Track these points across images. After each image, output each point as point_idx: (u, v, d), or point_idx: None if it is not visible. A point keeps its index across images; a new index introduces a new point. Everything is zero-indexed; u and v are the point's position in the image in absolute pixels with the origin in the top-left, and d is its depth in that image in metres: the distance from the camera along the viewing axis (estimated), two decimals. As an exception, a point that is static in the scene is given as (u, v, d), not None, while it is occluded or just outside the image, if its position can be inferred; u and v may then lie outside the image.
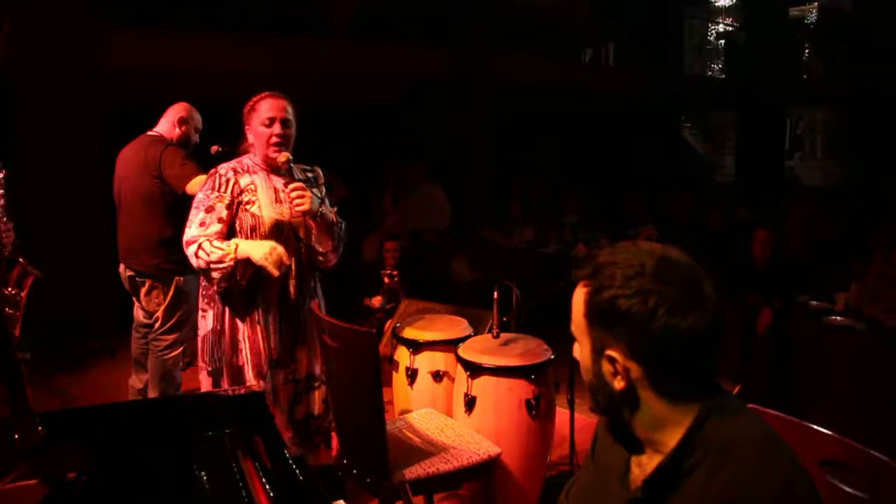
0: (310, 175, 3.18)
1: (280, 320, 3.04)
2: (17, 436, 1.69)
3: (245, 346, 3.00)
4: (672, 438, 1.29)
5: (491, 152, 9.14)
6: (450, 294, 6.07)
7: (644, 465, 1.37)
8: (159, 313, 4.18)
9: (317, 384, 3.17)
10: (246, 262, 2.86)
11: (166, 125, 4.22)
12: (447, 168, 8.38)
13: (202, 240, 2.87)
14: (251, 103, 3.02)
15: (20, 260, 3.52)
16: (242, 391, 2.00)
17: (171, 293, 4.14)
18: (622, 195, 8.34)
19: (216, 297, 3.01)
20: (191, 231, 2.92)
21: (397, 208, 8.18)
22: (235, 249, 2.85)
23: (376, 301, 6.07)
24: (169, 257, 4.08)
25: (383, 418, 2.67)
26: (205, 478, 1.54)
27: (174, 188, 3.98)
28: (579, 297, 1.34)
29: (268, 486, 1.57)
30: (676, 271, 1.26)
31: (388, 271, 6.19)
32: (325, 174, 3.27)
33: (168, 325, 4.18)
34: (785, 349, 4.82)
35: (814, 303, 4.95)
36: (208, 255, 2.84)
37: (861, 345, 4.45)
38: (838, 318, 4.67)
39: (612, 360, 1.29)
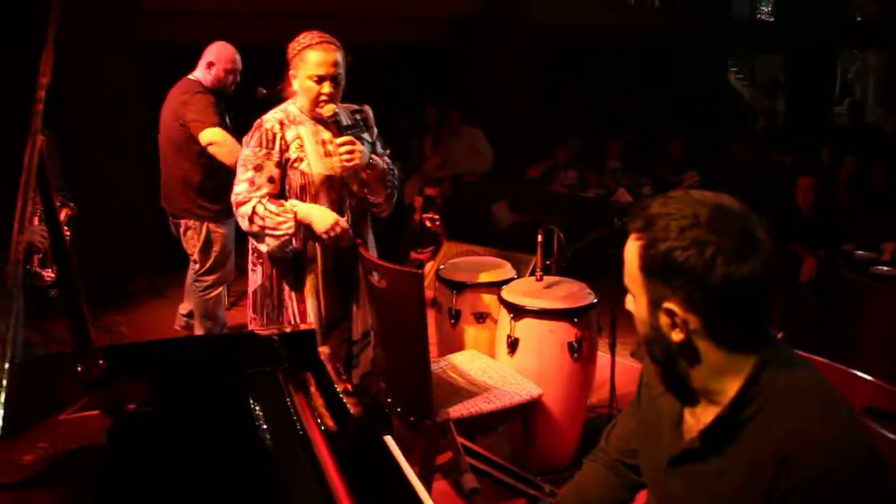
0: (358, 118, 3.00)
1: (333, 282, 2.96)
2: (80, 368, 1.77)
3: (292, 305, 2.95)
4: (730, 388, 1.29)
5: (533, 95, 9.03)
6: (490, 237, 6.10)
7: (699, 416, 1.37)
8: (195, 255, 4.29)
9: (369, 339, 3.12)
10: (304, 230, 2.80)
11: (200, 69, 4.24)
12: (489, 111, 8.30)
13: (255, 202, 2.78)
14: (299, 50, 2.79)
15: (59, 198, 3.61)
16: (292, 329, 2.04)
17: (202, 236, 4.23)
18: (665, 141, 8.22)
19: (266, 255, 2.93)
20: (239, 189, 2.82)
21: (437, 151, 8.18)
22: (295, 217, 2.77)
23: (426, 255, 6.11)
24: (198, 202, 4.16)
25: (428, 358, 2.72)
26: (259, 411, 1.58)
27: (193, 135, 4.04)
28: (633, 250, 1.32)
29: (319, 420, 1.62)
30: (731, 220, 1.25)
31: (430, 215, 6.23)
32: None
33: (205, 266, 4.29)
34: (828, 298, 4.77)
35: (860, 252, 4.87)
36: (263, 219, 2.76)
37: (907, 295, 4.39)
38: (884, 267, 4.60)
39: (670, 313, 1.28)
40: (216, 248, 4.27)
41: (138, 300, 5.88)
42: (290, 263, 2.93)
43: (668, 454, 1.41)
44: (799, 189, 5.23)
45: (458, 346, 3.54)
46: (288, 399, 1.66)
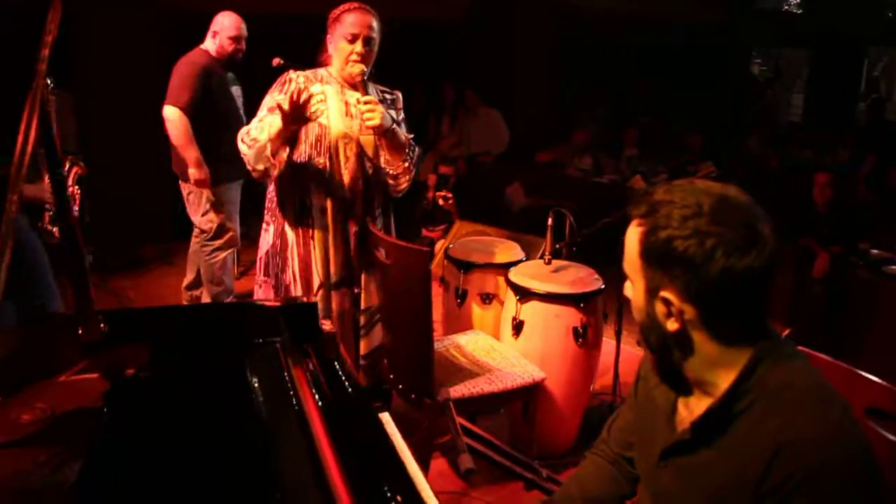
0: (388, 97, 3.05)
1: (343, 242, 2.95)
2: (80, 331, 1.77)
3: (293, 263, 2.95)
4: (724, 381, 1.29)
5: (552, 79, 8.96)
6: (503, 219, 6.07)
7: (692, 407, 1.37)
8: (197, 219, 4.34)
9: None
10: (279, 140, 2.73)
11: (208, 39, 4.28)
12: (507, 92, 8.25)
13: (251, 125, 2.81)
14: (337, 13, 2.86)
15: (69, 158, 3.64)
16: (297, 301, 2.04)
17: (203, 200, 4.26)
18: (684, 131, 8.16)
19: (277, 211, 2.96)
20: (248, 126, 2.83)
21: (454, 131, 8.14)
22: (271, 123, 2.71)
23: (437, 233, 6.10)
24: None
25: (431, 336, 2.72)
26: (255, 383, 1.58)
27: None
28: (634, 235, 1.31)
29: (317, 395, 1.61)
30: (734, 212, 1.23)
31: (443, 193, 6.21)
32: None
33: (208, 231, 4.33)
34: (839, 296, 4.74)
35: (875, 251, 4.83)
36: (249, 134, 2.76)
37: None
38: (898, 267, 4.56)
39: (666, 302, 1.27)
40: (220, 213, 4.31)
41: (147, 267, 5.91)
42: (296, 213, 2.93)
43: (660, 446, 1.41)
44: (816, 185, 5.18)
45: (464, 325, 3.54)
46: (286, 372, 1.65)
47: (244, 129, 2.84)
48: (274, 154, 2.77)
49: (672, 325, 1.28)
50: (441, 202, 6.19)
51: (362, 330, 3.09)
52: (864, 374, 1.78)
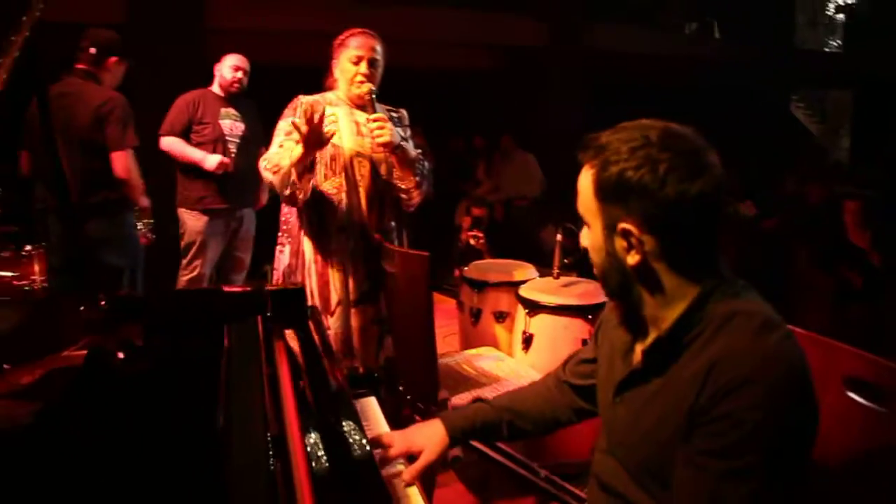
0: (394, 115, 3.09)
1: (363, 258, 2.98)
2: (82, 309, 1.88)
3: (311, 282, 2.97)
4: (675, 315, 1.31)
5: (585, 121, 9.05)
6: (537, 260, 6.10)
7: (646, 343, 1.39)
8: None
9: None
10: (303, 165, 2.76)
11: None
12: (542, 136, 8.36)
13: (272, 153, 2.87)
14: (342, 38, 2.97)
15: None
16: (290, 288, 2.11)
17: (180, 221, 4.49)
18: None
19: (294, 231, 3.02)
20: (268, 154, 2.90)
21: (490, 176, 8.26)
22: (292, 148, 2.76)
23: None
24: (178, 188, 4.49)
25: (434, 343, 2.74)
26: (234, 362, 1.62)
27: None
28: (586, 178, 1.34)
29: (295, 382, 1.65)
30: (681, 140, 1.27)
31: (474, 233, 6.29)
32: (416, 139, 3.21)
33: (184, 254, 4.53)
34: (876, 328, 4.65)
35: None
36: (271, 160, 2.82)
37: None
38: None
39: (625, 234, 1.29)
40: (186, 236, 4.47)
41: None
42: (315, 233, 2.97)
43: (615, 383, 1.43)
44: (847, 213, 5.14)
45: (479, 344, 3.56)
46: (266, 353, 1.69)
47: (264, 157, 2.91)
48: (299, 178, 2.81)
49: (633, 258, 1.30)
50: (472, 242, 6.27)
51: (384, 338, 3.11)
52: (842, 344, 1.78)
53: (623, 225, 1.29)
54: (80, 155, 3.52)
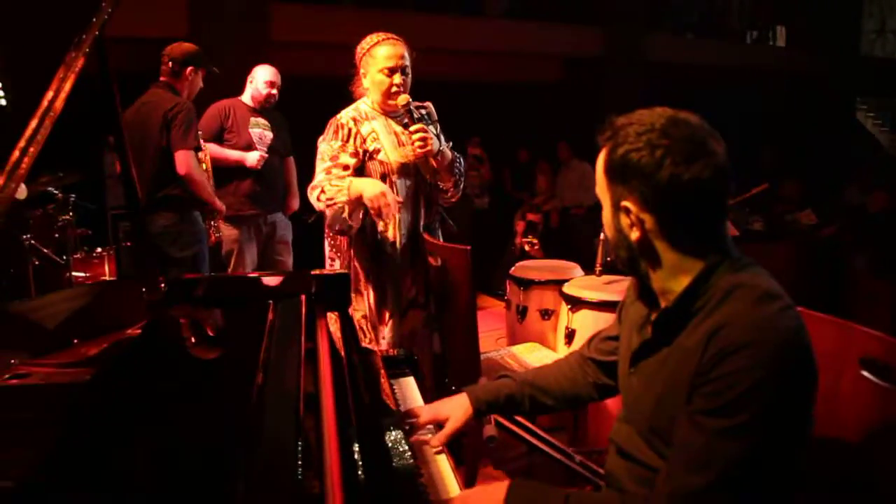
0: (423, 112, 3.07)
1: (410, 263, 3.05)
2: (144, 290, 2.05)
3: (367, 294, 3.03)
4: (681, 287, 1.39)
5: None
6: (591, 268, 6.14)
7: (655, 315, 1.48)
8: None
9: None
10: (357, 203, 2.85)
11: (246, 89, 4.67)
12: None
13: (324, 182, 2.89)
14: (366, 47, 2.96)
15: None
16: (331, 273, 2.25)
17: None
18: (781, 179, 8.05)
19: (343, 247, 3.07)
20: (316, 181, 2.94)
21: (549, 184, 8.35)
22: (349, 186, 2.83)
23: None
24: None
25: (476, 334, 2.84)
26: (276, 335, 1.75)
27: None
28: (601, 158, 1.45)
29: (330, 342, 1.78)
30: (683, 127, 1.36)
31: (529, 238, 6.38)
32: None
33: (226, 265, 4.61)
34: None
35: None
36: (326, 193, 2.85)
37: None
38: None
39: (627, 211, 1.39)
40: (224, 246, 4.54)
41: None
42: (365, 246, 3.03)
43: (631, 354, 1.53)
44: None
45: (525, 341, 3.64)
46: (303, 321, 1.82)
47: (315, 184, 2.96)
48: (351, 215, 2.89)
49: (634, 234, 1.40)
50: (527, 247, 6.36)
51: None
52: (858, 325, 1.83)
53: (625, 203, 1.39)
54: (152, 157, 3.78)
